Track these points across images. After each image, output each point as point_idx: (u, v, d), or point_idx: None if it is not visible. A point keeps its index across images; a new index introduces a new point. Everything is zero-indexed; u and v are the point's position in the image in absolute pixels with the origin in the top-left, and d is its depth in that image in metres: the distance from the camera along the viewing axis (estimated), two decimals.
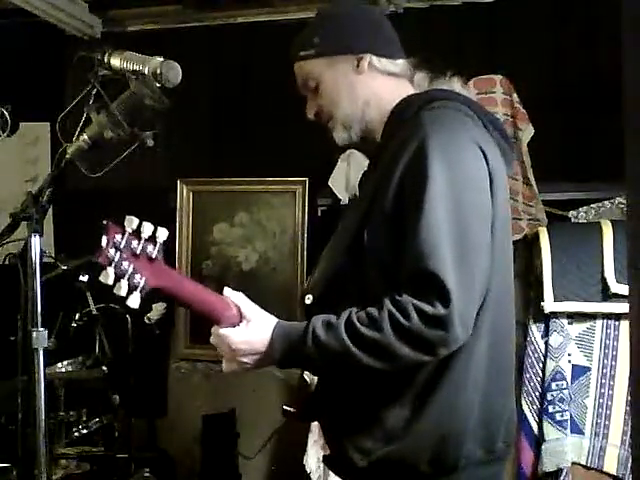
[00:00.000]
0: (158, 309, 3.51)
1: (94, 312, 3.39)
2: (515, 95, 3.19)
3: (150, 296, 1.35)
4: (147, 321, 3.50)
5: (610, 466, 2.72)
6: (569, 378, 2.77)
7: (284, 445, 3.67)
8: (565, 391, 2.75)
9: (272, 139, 4.01)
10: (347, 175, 3.73)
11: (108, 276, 1.30)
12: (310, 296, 1.52)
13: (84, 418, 2.96)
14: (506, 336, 1.52)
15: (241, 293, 1.47)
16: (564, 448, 2.72)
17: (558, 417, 2.74)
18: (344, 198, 3.74)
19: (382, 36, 1.60)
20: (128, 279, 1.31)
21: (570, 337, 2.77)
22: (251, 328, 1.43)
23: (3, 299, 2.34)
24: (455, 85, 1.58)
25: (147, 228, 1.35)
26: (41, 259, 1.72)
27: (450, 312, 1.29)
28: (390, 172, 1.43)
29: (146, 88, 1.65)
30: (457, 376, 1.40)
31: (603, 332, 2.76)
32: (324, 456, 1.62)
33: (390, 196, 1.41)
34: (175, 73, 1.68)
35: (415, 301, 1.31)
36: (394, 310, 1.32)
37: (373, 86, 1.57)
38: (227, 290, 1.46)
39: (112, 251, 1.30)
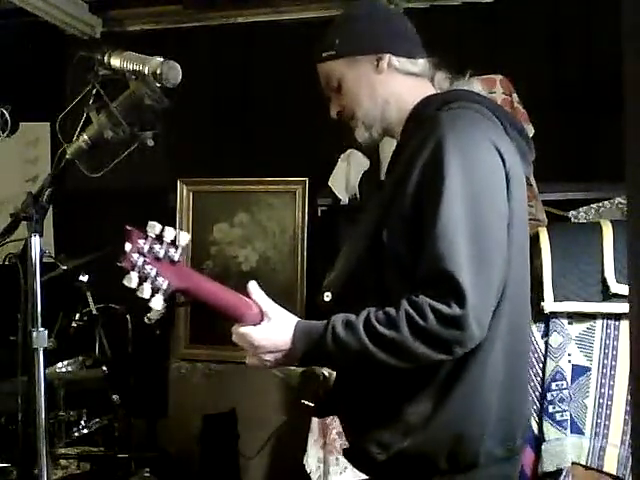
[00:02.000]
0: (158, 309, 3.51)
1: (94, 312, 3.39)
2: (515, 95, 3.19)
3: (172, 297, 1.39)
4: (147, 321, 3.49)
5: (610, 466, 2.72)
6: (569, 378, 2.76)
7: (284, 445, 3.67)
8: (565, 391, 2.74)
9: (272, 139, 4.01)
10: (347, 175, 3.73)
11: (131, 280, 1.35)
12: (329, 293, 1.56)
13: (84, 418, 2.96)
14: (522, 334, 1.55)
15: (263, 292, 1.51)
16: (564, 448, 2.71)
17: (558, 417, 2.74)
18: (344, 198, 3.74)
19: (401, 36, 1.63)
20: (151, 282, 1.35)
21: (570, 337, 2.77)
22: (272, 326, 1.47)
23: (3, 299, 2.34)
24: (475, 86, 1.61)
25: (169, 233, 1.38)
26: (41, 259, 1.72)
27: (466, 312, 1.32)
28: (408, 172, 1.45)
29: (146, 88, 1.65)
30: (475, 374, 1.43)
31: (603, 332, 2.76)
32: (344, 449, 1.64)
33: (408, 196, 1.43)
34: (175, 73, 1.68)
35: (431, 301, 1.34)
36: (411, 310, 1.35)
37: (393, 85, 1.60)
38: (252, 285, 1.50)
39: (135, 256, 1.35)
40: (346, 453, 1.63)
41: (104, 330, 3.41)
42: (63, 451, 2.93)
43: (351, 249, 1.60)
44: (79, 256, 3.39)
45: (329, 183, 3.76)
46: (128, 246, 1.35)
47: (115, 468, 3.01)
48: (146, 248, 1.36)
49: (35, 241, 1.69)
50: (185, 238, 1.40)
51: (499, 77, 3.18)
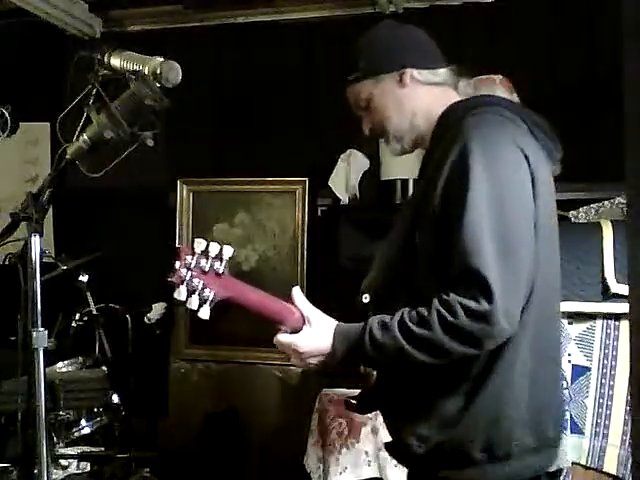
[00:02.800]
0: (158, 309, 3.51)
1: (94, 312, 3.39)
2: (515, 95, 3.19)
3: (219, 307, 1.51)
4: (147, 321, 3.50)
5: (610, 466, 2.72)
6: (569, 378, 2.76)
7: (284, 445, 3.67)
8: (565, 391, 2.74)
9: (272, 139, 4.02)
10: (347, 175, 3.73)
11: (181, 293, 1.48)
12: (367, 296, 1.64)
13: (84, 418, 2.96)
14: (551, 328, 1.61)
15: (304, 297, 1.62)
16: (564, 448, 2.71)
17: (563, 415, 2.73)
18: (344, 198, 3.75)
19: (421, 49, 1.71)
20: (199, 294, 1.49)
21: (570, 337, 2.77)
22: (314, 332, 1.57)
23: (3, 299, 2.34)
24: (498, 90, 1.73)
25: (213, 248, 1.50)
26: (41, 259, 1.72)
27: (494, 307, 1.38)
28: (436, 176, 1.51)
29: (146, 88, 1.65)
30: (505, 366, 1.49)
31: (603, 332, 2.76)
32: (385, 443, 1.73)
33: (437, 198, 1.50)
34: (175, 73, 1.68)
35: (460, 298, 1.40)
36: (441, 308, 1.42)
37: (418, 97, 1.68)
38: (295, 290, 1.61)
39: (184, 271, 1.48)
40: (387, 447, 1.72)
41: (104, 330, 3.41)
42: (63, 451, 2.93)
43: (386, 252, 1.67)
44: (79, 256, 3.39)
45: (329, 183, 3.76)
46: (177, 263, 1.48)
47: (115, 468, 3.00)
48: (193, 263, 1.49)
49: (35, 241, 1.69)
50: (228, 252, 1.52)
51: (499, 77, 3.18)
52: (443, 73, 1.70)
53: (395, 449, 1.69)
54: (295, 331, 1.59)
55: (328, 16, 3.96)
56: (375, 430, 3.04)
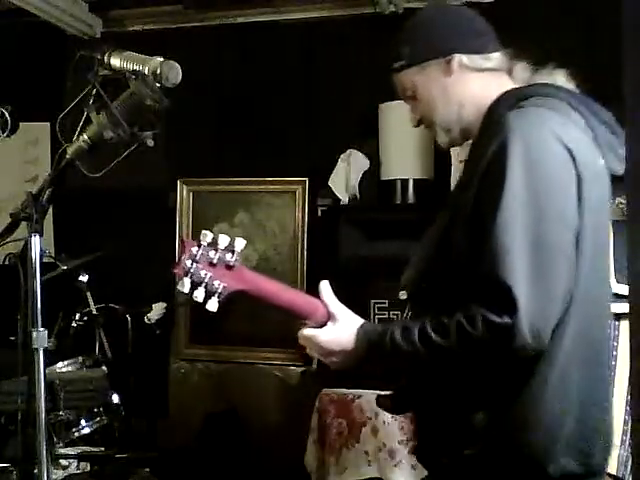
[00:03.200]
0: (158, 309, 3.51)
1: (94, 312, 3.39)
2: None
3: (232, 299, 1.48)
4: (147, 321, 3.50)
5: (610, 466, 2.72)
6: None
7: (284, 445, 3.67)
8: None
9: (272, 139, 4.02)
10: (347, 175, 3.74)
11: (184, 285, 1.44)
12: (404, 292, 1.58)
13: (84, 418, 2.96)
14: (599, 347, 1.49)
15: (332, 292, 1.55)
16: None
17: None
18: (344, 198, 3.75)
19: (470, 32, 1.59)
20: (205, 286, 1.44)
21: None
22: (338, 328, 1.52)
23: (3, 299, 2.33)
24: (558, 77, 1.57)
25: (223, 240, 1.46)
26: (41, 259, 1.72)
27: (516, 322, 1.29)
28: (473, 174, 1.44)
29: (146, 88, 1.65)
30: (535, 384, 1.39)
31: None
32: (414, 447, 1.66)
33: (471, 198, 1.41)
34: (175, 73, 1.68)
35: (483, 310, 1.32)
36: (462, 318, 1.35)
37: (466, 86, 1.57)
38: (323, 285, 1.55)
39: (188, 262, 1.44)
40: (415, 451, 1.65)
41: (104, 330, 3.41)
42: (63, 451, 2.93)
43: (424, 248, 1.58)
44: (79, 256, 3.39)
45: (329, 183, 3.76)
46: (181, 254, 1.45)
47: (115, 468, 3.00)
48: (199, 255, 1.44)
49: (35, 241, 1.69)
50: (241, 243, 1.47)
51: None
52: (496, 57, 1.59)
53: (421, 455, 1.61)
54: (320, 326, 1.53)
55: (328, 16, 3.96)
56: (375, 430, 3.04)
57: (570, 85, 1.56)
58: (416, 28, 1.63)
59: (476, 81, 1.57)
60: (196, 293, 1.44)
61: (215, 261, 1.45)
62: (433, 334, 1.38)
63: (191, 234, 4.15)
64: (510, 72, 1.60)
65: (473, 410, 1.43)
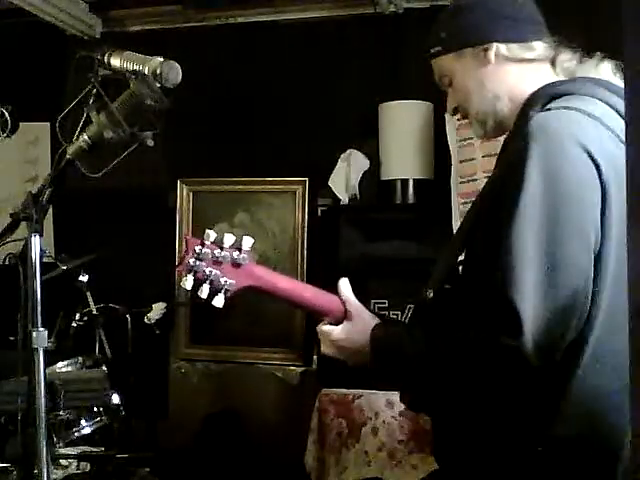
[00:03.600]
0: (158, 309, 3.51)
1: (94, 312, 3.39)
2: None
3: (238, 297, 1.49)
4: (147, 321, 3.50)
5: None
6: None
7: (284, 445, 3.67)
8: None
9: (272, 139, 4.02)
10: (347, 175, 3.74)
11: (187, 282, 1.45)
12: (431, 291, 1.50)
13: (84, 418, 2.96)
14: (619, 367, 1.31)
15: (350, 290, 1.54)
16: None
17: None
18: (344, 198, 3.75)
19: (511, 20, 1.50)
20: (210, 283, 1.45)
21: None
22: (353, 327, 1.51)
23: (3, 299, 2.33)
24: (603, 71, 1.48)
25: (228, 238, 1.48)
26: (41, 259, 1.72)
27: (522, 342, 1.23)
28: (494, 178, 1.39)
29: (146, 88, 1.65)
30: (549, 406, 1.32)
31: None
32: (432, 448, 1.59)
33: (487, 203, 1.37)
34: (175, 73, 1.68)
35: (489, 326, 1.27)
36: (470, 333, 1.31)
37: (503, 77, 1.50)
38: (343, 282, 1.54)
39: (192, 260, 1.45)
40: (434, 451, 1.59)
41: (104, 330, 3.41)
42: (63, 451, 2.93)
43: (450, 247, 1.53)
44: (79, 256, 3.39)
45: (329, 183, 3.76)
46: (184, 253, 1.46)
47: (115, 468, 3.00)
48: (203, 253, 1.45)
49: (35, 241, 1.69)
50: (248, 242, 1.48)
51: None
52: (538, 47, 1.50)
53: (440, 457, 1.56)
54: (337, 323, 1.53)
55: (328, 16, 3.96)
56: (375, 430, 3.04)
57: (617, 80, 1.45)
58: (455, 13, 1.55)
59: (514, 72, 1.49)
60: (201, 289, 1.46)
61: (220, 259, 1.46)
62: (442, 346, 1.37)
63: (191, 234, 4.14)
64: (553, 62, 1.52)
65: (492, 425, 1.37)
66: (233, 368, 4.04)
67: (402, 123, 3.53)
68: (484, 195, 1.44)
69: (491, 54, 1.48)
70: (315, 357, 3.71)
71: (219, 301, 1.47)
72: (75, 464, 2.93)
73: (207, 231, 1.46)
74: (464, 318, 1.34)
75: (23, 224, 1.71)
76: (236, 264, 1.47)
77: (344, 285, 1.54)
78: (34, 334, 1.68)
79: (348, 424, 3.10)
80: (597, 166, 1.29)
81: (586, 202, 1.29)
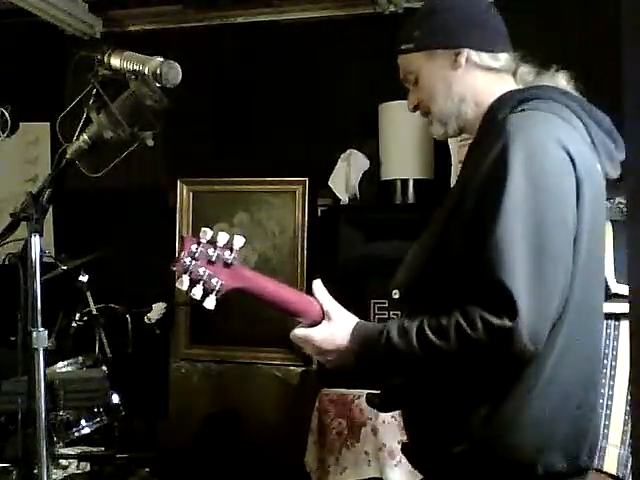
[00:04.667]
0: (158, 309, 3.51)
1: (94, 312, 3.39)
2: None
3: (229, 297, 1.47)
4: (147, 321, 3.50)
5: (610, 466, 2.72)
6: None
7: (284, 445, 3.67)
8: None
9: (272, 139, 4.02)
10: (347, 175, 3.74)
11: (183, 282, 1.43)
12: (397, 291, 1.56)
13: (84, 418, 2.96)
14: (590, 353, 1.49)
15: (326, 291, 1.54)
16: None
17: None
18: (344, 198, 3.75)
19: (483, 30, 1.58)
20: (203, 283, 1.43)
21: None
22: (332, 327, 1.51)
23: (3, 299, 2.34)
24: (560, 81, 1.57)
25: (222, 237, 1.45)
26: (41, 259, 1.72)
27: (516, 325, 1.28)
28: (474, 176, 1.43)
29: (146, 88, 1.65)
30: (528, 384, 1.39)
31: (603, 332, 2.76)
32: (402, 444, 1.66)
33: (471, 201, 1.41)
34: (175, 73, 1.68)
35: (482, 311, 1.32)
36: (461, 319, 1.34)
37: (470, 82, 1.55)
38: (316, 283, 1.54)
39: (187, 260, 1.42)
40: (404, 449, 1.65)
41: (104, 330, 3.41)
42: (63, 451, 2.93)
43: (420, 247, 1.57)
44: (79, 256, 3.39)
45: (329, 183, 3.76)
46: (180, 252, 1.43)
47: (115, 468, 3.00)
48: (198, 252, 1.43)
49: (35, 241, 1.69)
50: (239, 241, 1.45)
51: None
52: (504, 58, 1.58)
53: (411, 453, 1.62)
54: (314, 325, 1.52)
55: (328, 16, 3.96)
56: (375, 430, 3.04)
57: (571, 88, 1.56)
58: (429, 13, 1.60)
59: (480, 79, 1.56)
60: (194, 290, 1.43)
61: (214, 259, 1.43)
62: (431, 335, 1.38)
63: (191, 234, 4.14)
64: (514, 74, 1.60)
65: (464, 409, 1.43)
66: (233, 368, 4.04)
67: (402, 123, 3.53)
68: (459, 194, 1.46)
69: (462, 59, 1.54)
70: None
71: (210, 303, 1.44)
72: (75, 464, 2.93)
73: (203, 229, 1.44)
74: (447, 308, 1.38)
75: (23, 224, 1.71)
76: (227, 264, 1.45)
77: (318, 286, 1.54)
78: (34, 334, 1.68)
79: (348, 424, 3.10)
80: (573, 162, 1.39)
81: (566, 195, 1.38)
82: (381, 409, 1.73)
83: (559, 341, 1.39)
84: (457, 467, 1.46)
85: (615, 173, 1.51)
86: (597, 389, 1.54)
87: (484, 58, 1.55)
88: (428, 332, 1.38)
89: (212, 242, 1.44)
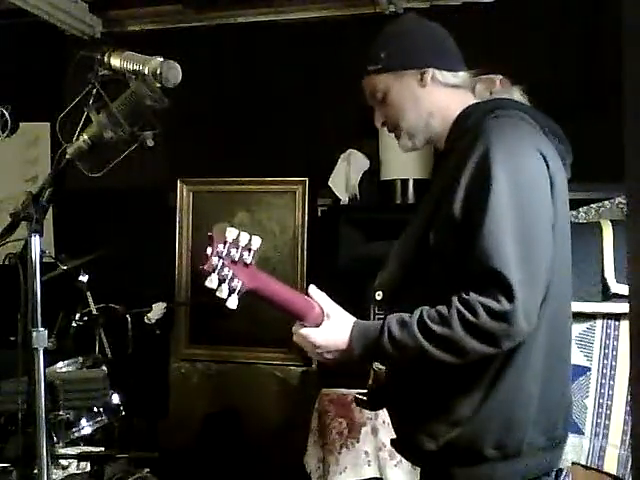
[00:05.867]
0: (158, 309, 3.51)
1: (94, 312, 3.39)
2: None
3: (245, 298, 1.48)
4: (147, 321, 3.50)
5: (610, 466, 2.72)
6: None
7: (284, 445, 3.67)
8: None
9: (272, 139, 4.02)
10: (347, 175, 3.73)
11: (212, 281, 1.44)
12: (380, 292, 1.67)
13: (84, 418, 2.95)
14: (564, 329, 1.63)
15: (323, 293, 1.61)
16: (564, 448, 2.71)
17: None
18: (344, 198, 3.75)
19: (444, 51, 1.71)
20: (228, 283, 1.45)
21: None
22: (332, 327, 1.57)
23: (3, 299, 2.33)
24: (515, 94, 1.70)
25: (244, 237, 1.47)
26: (41, 259, 1.72)
27: (515, 307, 1.40)
28: (456, 178, 1.52)
29: (146, 88, 1.65)
30: (519, 366, 1.51)
31: (603, 332, 2.76)
32: (391, 440, 1.74)
33: (457, 201, 1.50)
34: (175, 73, 1.68)
35: (481, 298, 1.42)
36: (462, 308, 1.43)
37: (436, 98, 1.68)
38: (312, 288, 1.61)
39: (215, 259, 1.44)
40: (394, 443, 1.73)
41: (104, 330, 3.41)
42: (63, 451, 2.92)
43: (400, 250, 1.68)
44: (79, 256, 3.39)
45: (329, 183, 3.76)
46: (209, 250, 1.45)
47: (115, 468, 3.00)
48: (225, 252, 1.45)
49: (35, 241, 1.69)
50: (257, 242, 1.48)
51: (499, 77, 3.17)
52: (462, 76, 1.71)
53: (403, 446, 1.70)
54: (316, 326, 1.58)
55: (328, 16, 3.96)
56: (375, 430, 3.04)
57: (525, 100, 1.69)
58: (395, 36, 1.72)
59: (445, 95, 1.68)
60: (220, 289, 1.45)
61: (236, 259, 1.46)
62: (434, 325, 1.45)
63: (191, 234, 4.15)
64: (473, 89, 1.73)
65: (460, 397, 1.53)
66: (233, 368, 4.04)
67: None
68: (440, 196, 1.56)
69: (428, 77, 1.67)
70: None
71: (233, 303, 1.46)
72: (75, 464, 2.93)
73: (229, 228, 1.46)
74: (435, 304, 1.48)
75: (23, 224, 1.71)
76: (245, 265, 1.47)
77: (315, 290, 1.60)
78: (34, 334, 1.68)
79: (348, 424, 3.09)
80: (546, 163, 1.53)
81: (544, 191, 1.52)
82: (371, 408, 1.80)
83: (545, 326, 1.51)
84: (449, 452, 1.55)
85: (568, 174, 1.66)
86: (568, 361, 1.68)
87: (446, 76, 1.68)
88: (429, 322, 1.46)
89: (235, 242, 1.46)
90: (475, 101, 1.69)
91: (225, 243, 1.45)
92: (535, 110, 1.67)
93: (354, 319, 1.59)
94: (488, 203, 1.45)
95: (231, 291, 1.45)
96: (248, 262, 1.47)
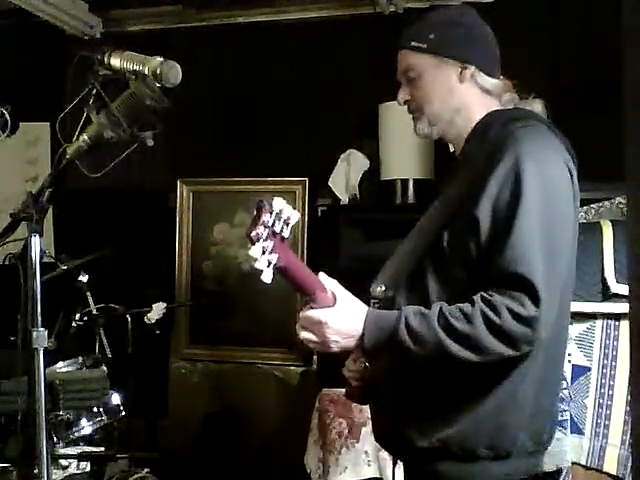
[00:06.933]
0: (158, 309, 3.51)
1: (94, 312, 3.38)
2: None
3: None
4: (147, 321, 3.49)
5: (610, 466, 2.72)
6: (569, 378, 2.76)
7: (284, 445, 3.67)
8: (565, 391, 2.74)
9: (272, 139, 4.02)
10: (347, 175, 3.73)
11: (256, 251, 1.38)
12: (383, 286, 1.65)
13: (84, 418, 2.95)
14: (564, 337, 1.66)
15: (335, 280, 1.56)
16: (564, 448, 2.71)
17: (558, 417, 2.73)
18: (344, 198, 3.75)
19: (489, 53, 1.71)
20: (268, 255, 1.40)
21: (570, 337, 2.77)
22: (345, 311, 1.52)
23: (3, 299, 2.34)
24: (537, 107, 1.71)
25: (287, 211, 1.42)
26: (41, 259, 1.72)
27: (539, 314, 1.42)
28: (482, 181, 1.52)
29: (146, 88, 1.65)
30: (519, 373, 1.52)
31: (603, 332, 2.76)
32: (377, 435, 1.73)
33: (483, 204, 1.50)
34: (175, 73, 1.68)
35: (507, 301, 1.43)
36: (485, 307, 1.44)
37: (467, 97, 1.67)
38: (322, 275, 1.55)
39: (261, 229, 1.38)
40: (380, 438, 1.72)
41: (104, 330, 3.41)
42: (63, 451, 2.92)
43: (410, 247, 1.67)
44: (79, 256, 3.39)
45: (329, 183, 3.76)
46: (257, 218, 1.39)
47: (115, 468, 3.00)
48: (270, 222, 1.40)
49: (35, 241, 1.69)
50: (296, 217, 1.44)
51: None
52: (496, 83, 1.70)
53: (389, 440, 1.70)
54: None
55: (328, 16, 3.96)
56: None
57: (545, 114, 1.71)
58: (450, 23, 1.68)
59: (475, 96, 1.68)
60: (261, 260, 1.39)
61: (277, 231, 1.41)
62: (456, 321, 1.45)
63: (191, 234, 4.15)
64: (499, 99, 1.72)
65: (457, 394, 1.54)
66: (233, 368, 4.04)
67: (402, 123, 3.51)
68: (458, 199, 1.57)
69: (467, 74, 1.66)
70: (315, 357, 3.71)
71: (268, 276, 1.40)
72: (75, 464, 2.93)
73: (276, 199, 1.41)
74: (456, 297, 1.49)
75: (23, 224, 1.71)
76: (282, 240, 1.42)
77: (325, 277, 1.55)
78: (34, 334, 1.68)
79: (348, 424, 3.09)
80: (570, 170, 1.57)
81: (570, 200, 1.56)
82: (362, 402, 1.79)
83: (551, 332, 1.50)
84: (440, 450, 1.55)
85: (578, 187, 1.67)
86: (562, 367, 1.72)
87: (484, 78, 1.67)
88: (450, 318, 1.45)
89: (279, 214, 1.41)
90: (498, 108, 1.69)
91: (272, 213, 1.40)
92: (551, 124, 1.68)
93: (367, 307, 1.56)
94: (519, 209, 1.46)
95: (268, 264, 1.40)
96: (286, 236, 1.42)
